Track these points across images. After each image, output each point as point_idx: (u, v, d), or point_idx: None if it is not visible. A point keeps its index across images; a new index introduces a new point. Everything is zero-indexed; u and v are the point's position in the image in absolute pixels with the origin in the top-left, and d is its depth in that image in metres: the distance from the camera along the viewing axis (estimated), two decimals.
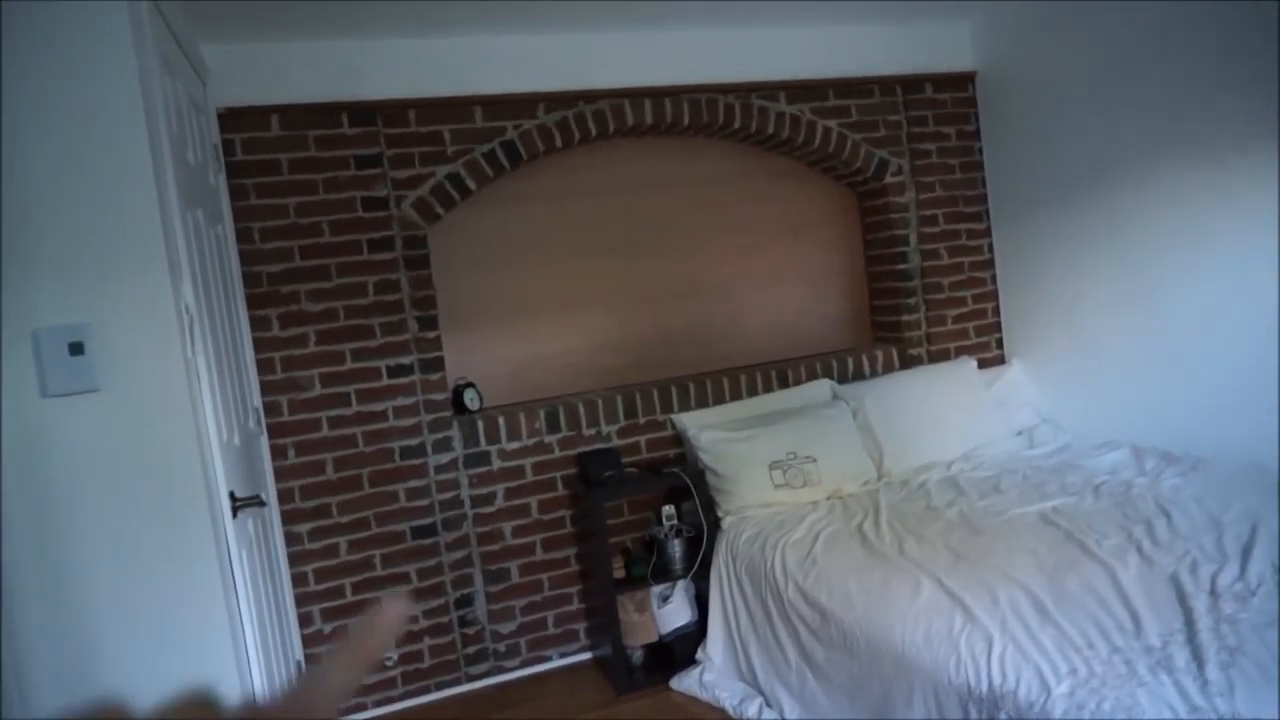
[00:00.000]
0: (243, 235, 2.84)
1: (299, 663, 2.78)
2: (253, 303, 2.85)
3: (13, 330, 1.52)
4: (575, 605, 3.28)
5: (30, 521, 1.54)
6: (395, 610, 0.37)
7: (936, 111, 3.70)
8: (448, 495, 3.10)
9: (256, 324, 2.86)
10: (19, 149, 1.52)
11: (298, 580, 2.93)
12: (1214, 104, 2.77)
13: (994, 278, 3.83)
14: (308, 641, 2.93)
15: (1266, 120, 2.62)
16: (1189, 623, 1.86)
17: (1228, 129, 2.75)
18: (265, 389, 2.87)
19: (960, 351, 3.77)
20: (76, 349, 1.55)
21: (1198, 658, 1.73)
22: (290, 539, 2.91)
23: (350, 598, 2.98)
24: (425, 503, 3.07)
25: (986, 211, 3.80)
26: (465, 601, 3.14)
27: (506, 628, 3.20)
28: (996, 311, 3.85)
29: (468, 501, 3.13)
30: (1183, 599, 1.96)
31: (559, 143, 3.17)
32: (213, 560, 1.74)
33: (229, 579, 1.83)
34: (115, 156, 1.58)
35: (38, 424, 1.54)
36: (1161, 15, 2.89)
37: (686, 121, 3.33)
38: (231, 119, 2.81)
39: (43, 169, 1.53)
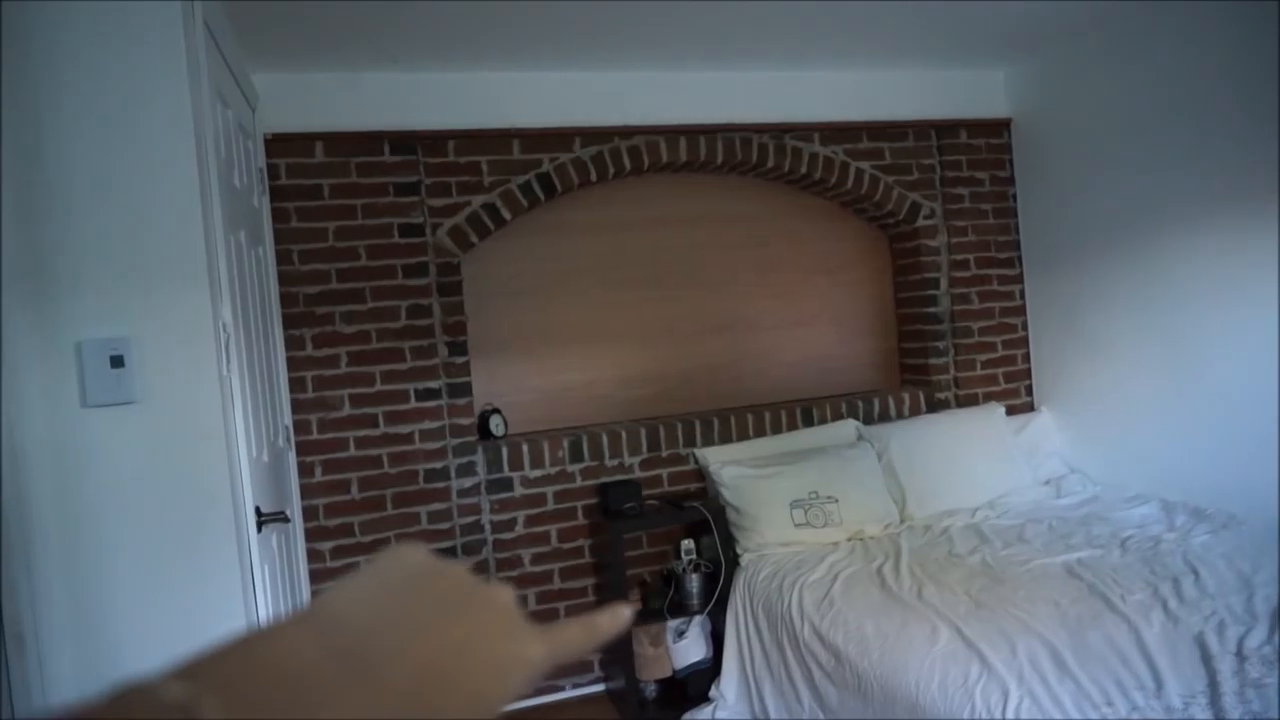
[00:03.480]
0: (282, 256, 2.92)
1: None
2: (288, 322, 2.92)
3: (56, 340, 1.58)
4: None
5: (62, 524, 1.59)
6: (620, 616, 0.40)
7: (971, 157, 3.71)
8: (469, 520, 3.12)
9: (291, 343, 2.93)
10: (70, 167, 1.59)
11: None
12: (1253, 158, 2.75)
13: (1025, 324, 3.81)
14: None
15: None
16: (1213, 684, 1.82)
17: (1267, 184, 2.72)
18: (296, 407, 2.93)
19: (989, 397, 3.73)
20: (117, 361, 1.60)
21: None
22: (312, 556, 2.95)
23: None
24: (447, 526, 3.09)
25: (1019, 258, 3.79)
26: None
27: None
28: (1027, 359, 3.82)
29: (488, 527, 3.15)
30: (1207, 660, 1.92)
31: (594, 177, 3.23)
32: (235, 573, 1.77)
33: (250, 592, 1.86)
34: (163, 179, 1.64)
35: (76, 432, 1.59)
36: (1201, 66, 2.89)
37: (720, 159, 3.38)
38: (277, 144, 2.90)
39: (90, 187, 1.60)
